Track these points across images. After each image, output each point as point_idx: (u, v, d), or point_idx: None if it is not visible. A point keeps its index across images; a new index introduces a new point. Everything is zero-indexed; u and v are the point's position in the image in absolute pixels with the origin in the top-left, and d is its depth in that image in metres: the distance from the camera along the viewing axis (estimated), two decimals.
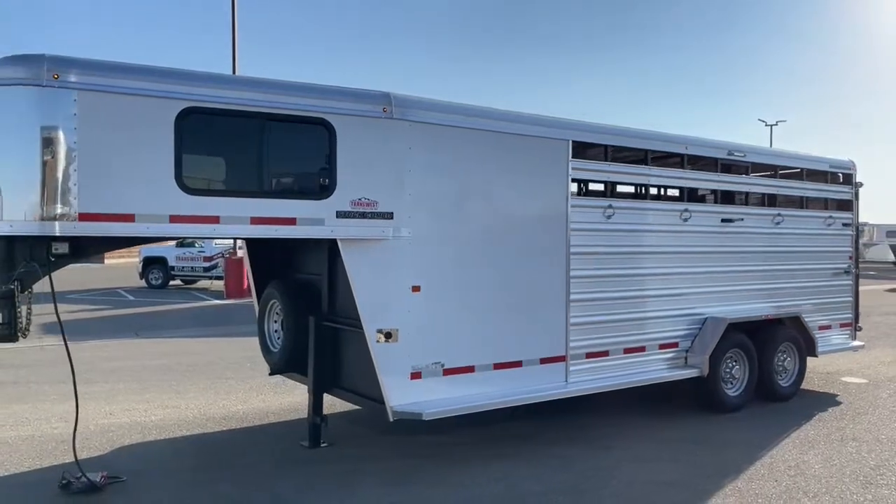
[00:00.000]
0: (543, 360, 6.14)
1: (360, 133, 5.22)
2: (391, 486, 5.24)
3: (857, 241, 9.12)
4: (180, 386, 8.77)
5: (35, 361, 10.57)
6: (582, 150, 6.42)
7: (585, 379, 6.37)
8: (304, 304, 6.29)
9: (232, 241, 21.93)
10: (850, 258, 8.96)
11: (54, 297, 5.14)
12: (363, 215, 5.24)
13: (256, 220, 4.89)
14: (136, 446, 6.29)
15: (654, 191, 7.26)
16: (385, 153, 5.33)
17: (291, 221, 5.01)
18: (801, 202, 8.41)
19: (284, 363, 6.51)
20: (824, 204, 8.70)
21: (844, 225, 8.89)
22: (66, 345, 5.15)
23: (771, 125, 41.07)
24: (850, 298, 8.96)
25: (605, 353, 6.54)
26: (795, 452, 6.02)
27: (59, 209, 4.36)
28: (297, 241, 6.31)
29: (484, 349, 5.81)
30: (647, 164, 6.89)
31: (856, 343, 8.95)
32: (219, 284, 21.05)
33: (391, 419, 5.36)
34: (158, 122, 4.59)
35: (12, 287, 4.81)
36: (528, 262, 6.09)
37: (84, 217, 4.41)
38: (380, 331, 5.31)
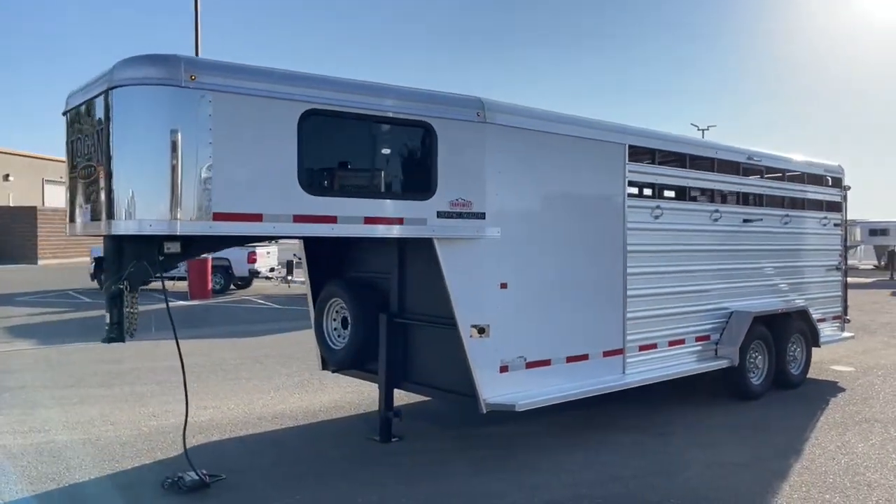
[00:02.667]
0: (606, 353, 6.48)
1: (457, 136, 5.42)
2: (488, 473, 5.46)
3: (845, 240, 9.86)
4: (205, 388, 8.67)
5: (25, 366, 10.23)
6: (635, 153, 6.79)
7: (640, 370, 6.75)
8: (372, 303, 6.42)
9: None
10: (840, 255, 9.68)
11: (166, 295, 5.16)
12: (460, 215, 5.44)
13: (370, 220, 5.03)
14: (206, 446, 6.27)
15: (692, 193, 7.70)
16: (478, 155, 5.55)
17: (399, 221, 5.17)
18: (803, 204, 9.05)
19: (349, 360, 6.62)
20: (820, 205, 9.37)
21: (835, 225, 9.61)
22: (177, 344, 5.19)
23: (703, 129, 42.97)
24: (840, 293, 9.68)
25: (654, 346, 6.94)
26: (834, 434, 6.55)
27: (195, 208, 4.39)
28: (358, 241, 6.46)
29: (558, 343, 6.10)
30: (686, 168, 7.33)
31: (846, 334, 9.69)
32: (181, 285, 20.56)
33: (483, 411, 5.57)
34: (283, 124, 4.67)
35: (122, 287, 4.80)
36: (594, 259, 6.42)
37: (218, 216, 4.46)
38: (474, 326, 5.51)
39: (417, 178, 5.33)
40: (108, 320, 4.91)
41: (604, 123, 6.53)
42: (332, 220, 4.88)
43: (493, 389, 5.61)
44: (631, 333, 6.67)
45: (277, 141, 4.66)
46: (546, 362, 6.00)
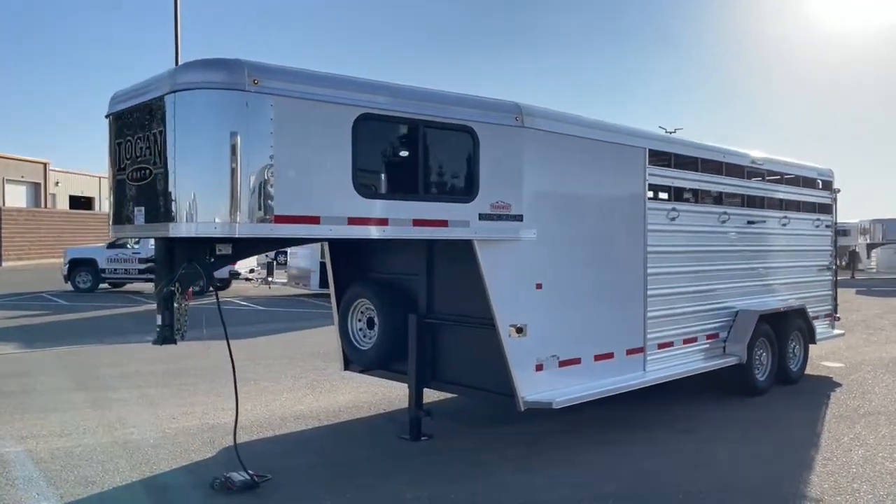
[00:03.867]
0: (629, 352, 6.67)
1: (496, 140, 5.55)
2: (527, 470, 5.60)
3: (835, 241, 10.24)
4: (215, 389, 8.64)
5: (19, 370, 10.02)
6: (654, 157, 6.99)
7: (658, 368, 6.96)
8: (401, 303, 6.51)
9: None
10: (831, 256, 10.06)
11: (217, 297, 5.19)
12: (500, 217, 5.57)
13: (418, 223, 5.14)
14: (242, 446, 6.26)
15: (702, 195, 7.93)
16: (516, 159, 5.69)
17: (444, 223, 5.28)
18: (798, 206, 9.38)
19: (377, 361, 6.70)
20: (813, 207, 9.72)
21: (827, 226, 9.98)
22: (228, 344, 5.21)
23: (670, 132, 43.69)
24: (831, 292, 10.05)
25: (671, 344, 7.16)
26: (844, 427, 6.84)
27: (257, 211, 4.45)
28: (386, 242, 6.53)
29: (587, 342, 6.28)
30: (698, 171, 7.57)
31: (836, 331, 10.07)
32: None
33: (521, 409, 5.71)
34: (339, 128, 4.75)
35: (173, 289, 4.83)
36: (618, 259, 6.62)
37: (279, 219, 4.52)
38: (512, 325, 5.64)
39: (461, 181, 5.45)
40: (159, 322, 4.95)
41: (627, 128, 6.73)
42: (383, 222, 4.97)
43: (530, 388, 5.75)
44: (651, 332, 6.88)
45: (333, 144, 4.74)
46: (576, 361, 6.16)
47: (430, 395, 7.45)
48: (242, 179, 4.39)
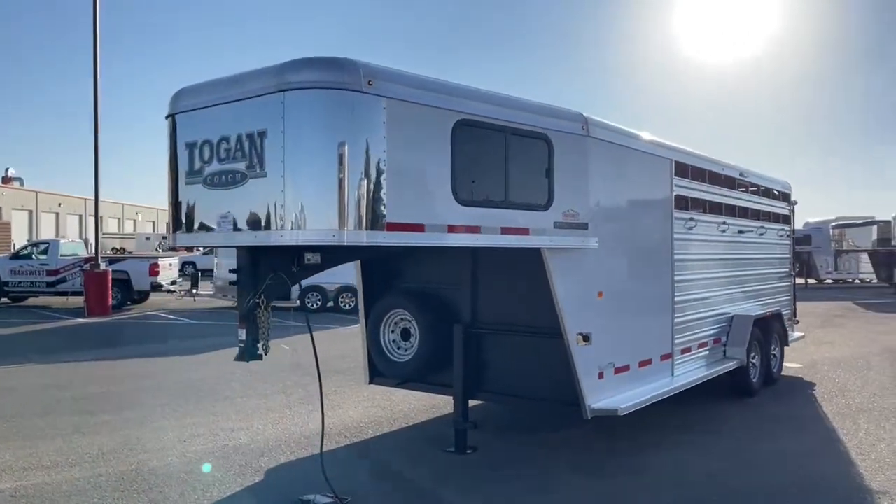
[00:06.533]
0: (662, 357, 6.82)
1: (567, 148, 5.55)
2: (595, 478, 5.62)
3: (794, 250, 10.91)
4: (205, 409, 8.10)
5: None
6: (678, 168, 7.21)
7: (683, 373, 7.16)
8: (443, 314, 6.38)
9: (87, 251, 19.86)
10: (791, 263, 10.70)
11: (304, 304, 4.88)
12: (570, 226, 5.57)
13: (505, 230, 5.05)
14: (283, 467, 5.98)
15: (709, 206, 8.24)
16: (582, 167, 5.71)
17: (526, 231, 5.22)
18: (769, 216, 9.93)
19: (415, 373, 6.52)
20: (778, 218, 10.32)
21: (788, 236, 10.62)
22: (315, 354, 4.91)
23: None
24: (791, 296, 10.69)
25: (689, 349, 7.38)
26: (850, 423, 7.27)
27: (369, 218, 4.23)
28: (420, 251, 6.38)
29: (634, 349, 6.38)
30: (706, 182, 7.87)
31: (798, 334, 10.71)
32: (75, 300, 18.91)
33: (588, 417, 5.70)
34: (440, 133, 4.61)
35: (258, 301, 4.54)
36: (655, 266, 6.77)
37: (391, 227, 4.32)
38: (580, 334, 5.65)
39: (540, 189, 5.39)
40: (242, 336, 4.61)
41: (659, 141, 6.90)
42: (476, 230, 4.86)
43: (596, 395, 5.77)
44: (677, 337, 7.07)
45: (435, 150, 4.59)
46: (626, 367, 6.24)
47: (438, 408, 7.33)
48: (355, 184, 4.16)
